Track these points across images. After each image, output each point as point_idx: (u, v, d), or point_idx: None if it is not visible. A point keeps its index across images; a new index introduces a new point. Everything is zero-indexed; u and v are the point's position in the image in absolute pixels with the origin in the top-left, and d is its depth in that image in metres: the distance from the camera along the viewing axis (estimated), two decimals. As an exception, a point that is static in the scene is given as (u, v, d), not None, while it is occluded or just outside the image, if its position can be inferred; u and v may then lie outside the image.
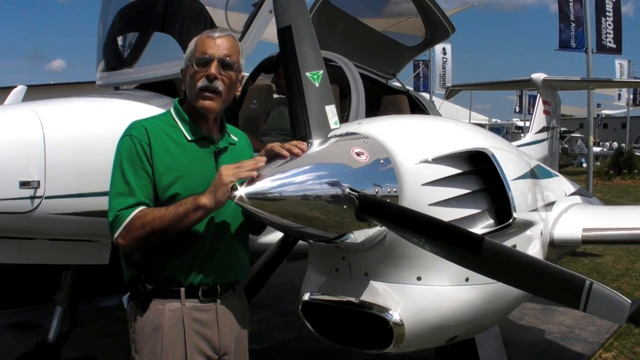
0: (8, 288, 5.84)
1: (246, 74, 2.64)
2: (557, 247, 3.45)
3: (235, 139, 2.60)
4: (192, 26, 3.81)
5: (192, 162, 2.38)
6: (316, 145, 2.33)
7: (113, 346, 5.07)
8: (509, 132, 37.45)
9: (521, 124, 38.67)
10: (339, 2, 5.42)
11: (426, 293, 2.55)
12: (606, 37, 14.88)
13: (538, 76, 9.21)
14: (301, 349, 5.25)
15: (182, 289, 2.36)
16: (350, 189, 2.24)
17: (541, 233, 3.10)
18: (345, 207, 2.24)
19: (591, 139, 14.84)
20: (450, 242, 2.12)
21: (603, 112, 42.48)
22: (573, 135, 37.88)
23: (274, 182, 2.14)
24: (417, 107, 5.56)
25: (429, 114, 5.52)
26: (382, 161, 2.44)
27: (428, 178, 2.54)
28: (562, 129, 27.64)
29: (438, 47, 26.81)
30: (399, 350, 2.56)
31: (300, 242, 2.66)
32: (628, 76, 29.84)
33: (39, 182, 2.95)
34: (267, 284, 3.01)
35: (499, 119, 48.02)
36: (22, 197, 2.93)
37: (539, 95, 9.52)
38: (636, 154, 28.85)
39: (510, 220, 2.68)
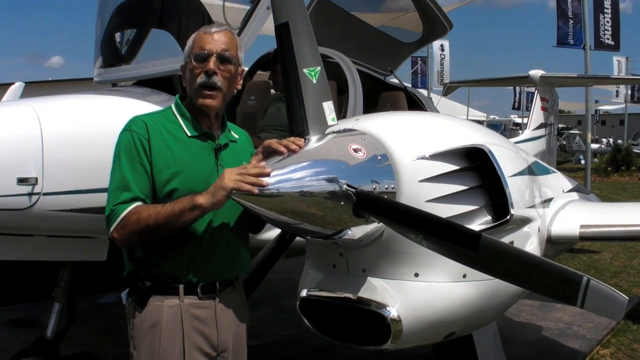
0: (6, 284, 5.86)
1: (245, 68, 2.64)
2: (554, 244, 3.46)
3: (236, 136, 2.59)
4: (189, 22, 3.80)
5: (192, 158, 2.38)
6: (313, 141, 2.33)
7: (111, 343, 5.07)
8: (506, 129, 37.51)
9: (519, 120, 38.71)
10: (336, -2, 5.42)
11: (424, 289, 2.55)
12: (604, 34, 14.85)
13: (536, 73, 9.19)
14: (299, 345, 5.26)
15: (181, 286, 2.37)
16: (348, 185, 2.24)
17: (539, 229, 3.11)
18: (342, 203, 2.24)
19: (589, 135, 14.83)
20: (448, 238, 2.12)
21: (601, 108, 42.45)
22: (571, 132, 37.93)
23: (271, 178, 2.14)
24: (415, 104, 5.55)
25: (426, 110, 5.52)
26: (379, 157, 2.44)
27: (425, 174, 2.53)
28: (560, 125, 27.66)
29: (436, 44, 26.86)
30: (397, 346, 2.56)
31: (298, 238, 2.66)
32: (626, 73, 29.93)
33: (36, 178, 2.95)
34: (265, 280, 3.01)
35: (496, 115, 48.05)
36: (20, 194, 2.93)
37: (536, 92, 9.52)
38: (634, 150, 28.88)
39: (508, 217, 2.68)
